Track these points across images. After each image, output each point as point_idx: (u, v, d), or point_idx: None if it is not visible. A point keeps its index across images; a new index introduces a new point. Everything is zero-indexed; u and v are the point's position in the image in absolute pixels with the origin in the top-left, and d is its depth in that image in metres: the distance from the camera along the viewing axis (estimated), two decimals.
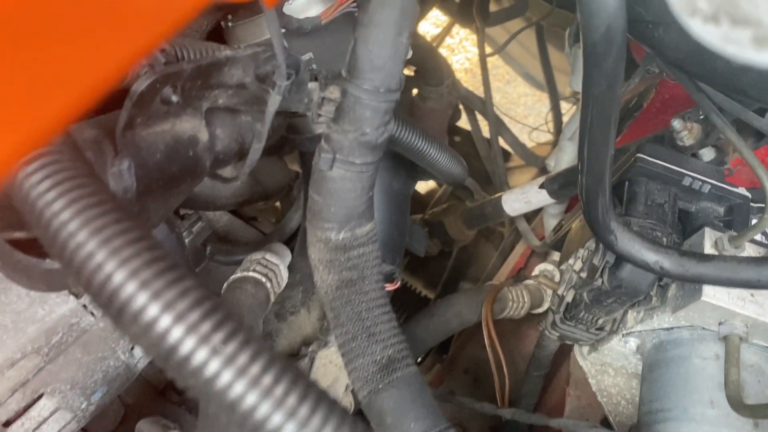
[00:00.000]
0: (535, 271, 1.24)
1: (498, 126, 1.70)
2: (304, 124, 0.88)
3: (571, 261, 1.00)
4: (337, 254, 0.69)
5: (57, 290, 0.73)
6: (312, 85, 0.68)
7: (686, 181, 0.90)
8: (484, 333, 1.13)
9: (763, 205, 0.91)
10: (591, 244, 0.95)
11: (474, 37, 1.98)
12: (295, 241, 1.04)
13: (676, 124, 0.98)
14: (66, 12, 0.30)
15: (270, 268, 0.87)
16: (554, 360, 1.19)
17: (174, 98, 0.57)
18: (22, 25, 0.28)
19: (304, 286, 0.95)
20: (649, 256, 0.77)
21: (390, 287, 0.92)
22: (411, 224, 1.17)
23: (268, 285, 0.85)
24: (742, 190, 0.92)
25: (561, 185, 1.19)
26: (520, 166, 1.99)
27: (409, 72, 1.53)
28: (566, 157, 1.42)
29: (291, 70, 0.63)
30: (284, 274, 0.90)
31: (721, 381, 0.80)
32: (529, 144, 2.04)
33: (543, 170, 1.73)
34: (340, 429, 0.36)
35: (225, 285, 0.85)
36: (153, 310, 0.34)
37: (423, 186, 2.00)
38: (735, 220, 0.90)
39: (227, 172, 0.84)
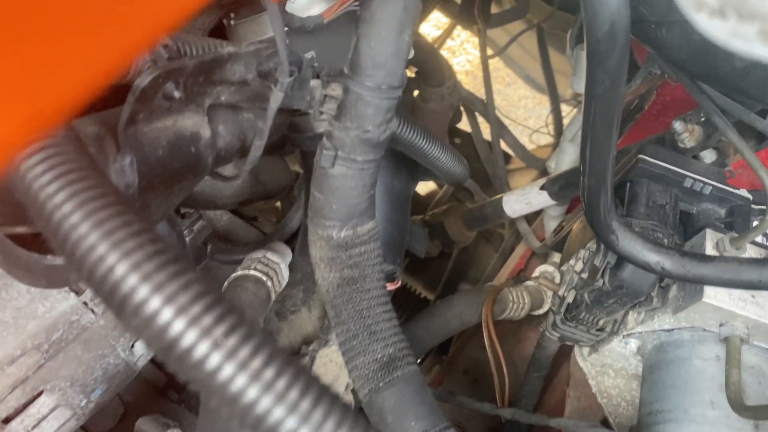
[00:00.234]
0: (536, 273, 1.24)
1: (499, 128, 1.70)
2: (306, 123, 0.88)
3: (572, 262, 1.00)
4: (339, 252, 0.69)
5: (58, 287, 0.73)
6: (314, 83, 0.68)
7: (687, 183, 0.90)
8: (484, 334, 1.13)
9: (764, 207, 0.91)
10: (592, 244, 0.95)
11: (475, 39, 1.99)
12: (295, 240, 1.03)
13: (678, 125, 0.98)
14: (68, 2, 0.30)
15: (271, 266, 0.87)
16: (554, 361, 1.19)
17: (176, 94, 0.57)
18: (24, 12, 0.28)
19: (305, 285, 0.95)
20: (651, 256, 0.77)
21: (390, 287, 0.92)
22: (411, 225, 1.17)
23: (269, 283, 0.84)
24: (743, 192, 0.92)
25: (562, 187, 1.19)
26: (521, 168, 1.99)
27: (410, 73, 1.53)
28: (567, 159, 1.42)
29: (293, 67, 0.63)
30: (285, 273, 0.90)
31: (722, 382, 0.80)
32: (530, 146, 2.04)
33: (543, 172, 1.73)
34: (342, 424, 0.35)
35: (226, 283, 0.85)
36: (154, 303, 0.34)
37: (423, 187, 2.00)
38: (736, 222, 0.90)
39: (228, 170, 0.84)
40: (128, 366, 0.81)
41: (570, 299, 0.99)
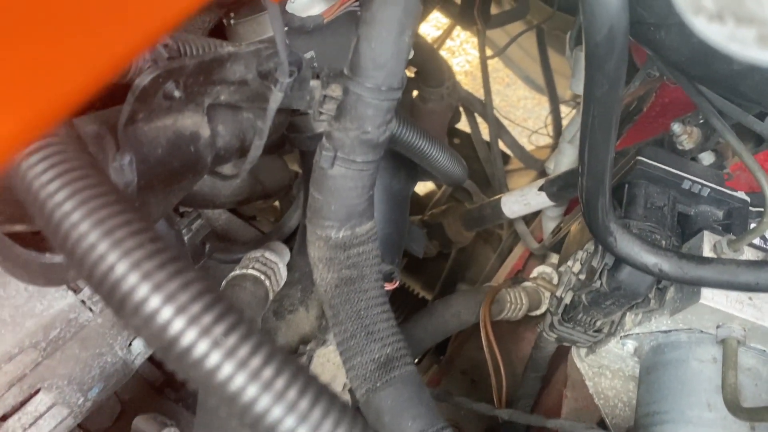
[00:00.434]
0: (534, 273, 1.24)
1: (498, 128, 1.71)
2: (305, 123, 0.88)
3: (569, 263, 1.01)
4: (337, 252, 0.69)
5: (56, 285, 0.73)
6: (314, 83, 0.68)
7: (686, 185, 0.90)
8: (482, 334, 1.13)
9: (762, 209, 0.91)
10: (590, 246, 0.95)
11: (474, 40, 1.99)
12: (294, 240, 1.04)
13: (676, 127, 0.99)
14: (68, 2, 0.30)
15: (269, 266, 0.87)
16: (551, 362, 1.19)
17: (176, 93, 0.57)
18: (24, 11, 0.28)
19: (303, 284, 0.95)
20: (649, 258, 0.77)
21: (389, 287, 0.92)
22: (410, 225, 1.17)
23: (267, 283, 0.84)
24: (741, 194, 0.92)
25: (560, 188, 1.19)
26: (519, 169, 1.99)
27: (409, 73, 1.53)
28: (566, 160, 1.42)
29: (293, 67, 0.63)
30: (283, 273, 0.90)
31: (719, 384, 0.80)
32: (529, 147, 2.05)
33: (542, 173, 1.73)
34: (341, 423, 0.36)
35: (224, 282, 0.85)
36: (154, 302, 0.34)
37: (422, 188, 2.00)
38: (734, 224, 0.90)
39: (227, 169, 0.84)
40: (126, 364, 0.81)
41: (567, 300, 0.99)
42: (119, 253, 0.34)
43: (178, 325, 0.34)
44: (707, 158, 1.01)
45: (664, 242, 0.86)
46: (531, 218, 1.53)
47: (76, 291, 0.76)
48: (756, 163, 0.79)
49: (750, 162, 0.79)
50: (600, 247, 0.89)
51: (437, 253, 1.67)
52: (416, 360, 1.61)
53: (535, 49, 1.94)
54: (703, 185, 0.90)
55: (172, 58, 0.58)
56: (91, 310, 0.77)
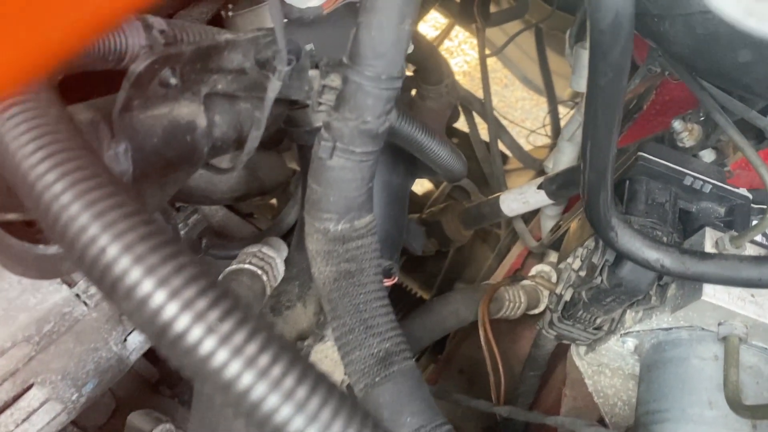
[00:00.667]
0: (532, 272, 1.23)
1: (497, 127, 1.70)
2: (303, 117, 0.87)
3: (570, 260, 1.00)
4: (336, 245, 0.68)
5: (50, 278, 0.72)
6: (313, 73, 0.67)
7: (687, 181, 0.89)
8: (480, 332, 1.12)
9: (764, 206, 0.91)
10: (590, 242, 0.94)
11: (473, 40, 1.98)
12: (292, 236, 1.03)
13: (677, 125, 0.98)
14: None
15: (266, 261, 0.86)
16: (551, 360, 1.18)
17: (173, 81, 0.56)
18: None
19: (301, 280, 0.94)
20: (650, 253, 0.76)
21: (387, 283, 0.91)
22: (409, 222, 1.16)
23: (264, 278, 0.84)
24: (743, 191, 0.91)
25: (560, 185, 1.18)
26: (518, 169, 1.98)
27: (408, 72, 1.52)
28: (564, 159, 1.42)
29: (291, 56, 0.62)
30: (281, 268, 0.89)
31: (720, 382, 0.79)
32: (527, 147, 2.04)
33: (541, 173, 1.72)
34: (339, 412, 0.34)
35: (220, 276, 0.84)
36: (147, 286, 0.33)
37: (420, 186, 1.99)
38: (735, 221, 0.90)
39: (224, 162, 0.83)
40: (121, 360, 0.80)
41: (567, 297, 0.98)
42: (111, 235, 0.33)
43: (171, 309, 0.33)
44: (708, 156, 1.01)
45: (665, 238, 0.85)
46: (530, 217, 1.52)
47: (71, 285, 0.75)
48: (759, 158, 0.78)
49: (753, 157, 0.78)
50: (601, 243, 0.88)
51: (435, 251, 1.66)
52: (414, 357, 1.60)
53: (533, 49, 1.93)
54: (704, 182, 0.89)
55: (169, 44, 0.57)
56: (85, 304, 0.76)
